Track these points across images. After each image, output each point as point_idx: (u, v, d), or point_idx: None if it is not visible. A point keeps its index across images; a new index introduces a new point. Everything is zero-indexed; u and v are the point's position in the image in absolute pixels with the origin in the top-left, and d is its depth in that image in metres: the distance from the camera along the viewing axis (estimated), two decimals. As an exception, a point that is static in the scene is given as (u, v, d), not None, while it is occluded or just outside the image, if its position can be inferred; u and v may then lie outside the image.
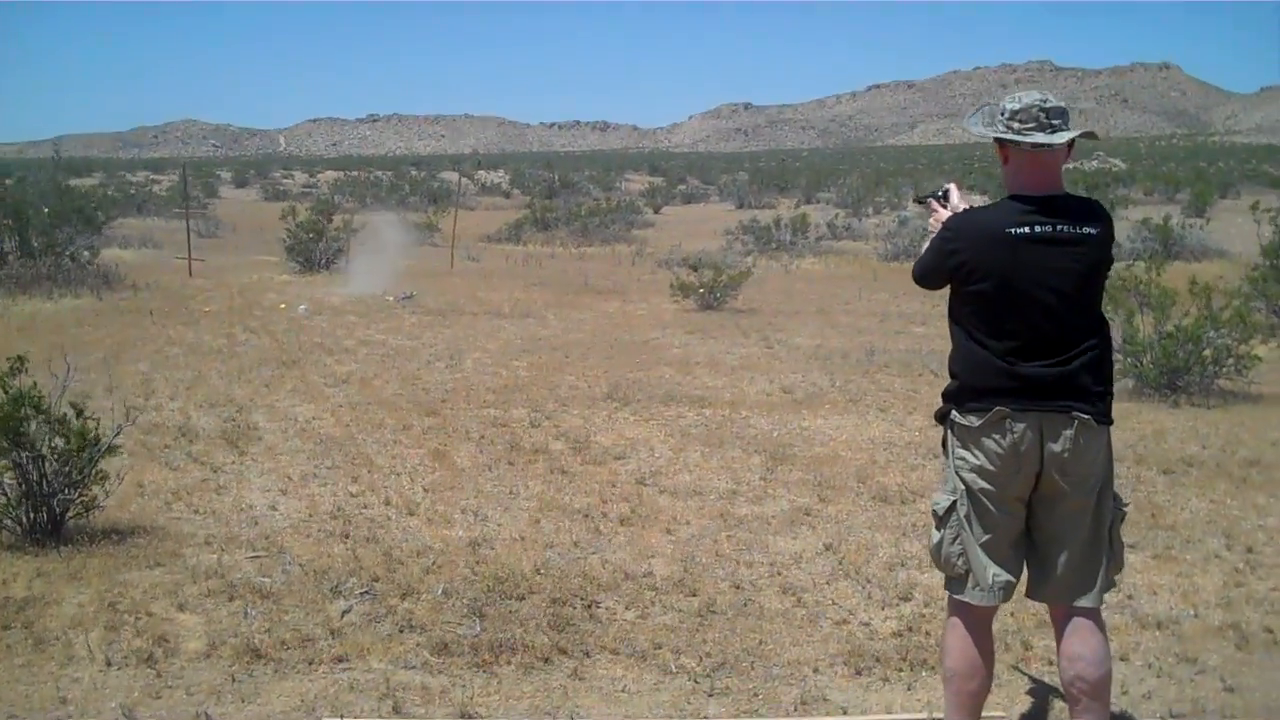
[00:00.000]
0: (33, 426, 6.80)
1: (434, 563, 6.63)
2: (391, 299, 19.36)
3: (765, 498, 8.13)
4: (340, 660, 5.32)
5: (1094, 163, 76.61)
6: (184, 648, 5.42)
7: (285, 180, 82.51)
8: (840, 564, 6.76)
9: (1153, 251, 25.03)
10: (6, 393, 6.78)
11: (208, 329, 15.84)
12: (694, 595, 6.23)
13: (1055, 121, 4.09)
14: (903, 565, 6.69)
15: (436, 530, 7.31)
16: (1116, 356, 11.20)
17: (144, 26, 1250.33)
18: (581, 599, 6.13)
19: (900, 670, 5.34)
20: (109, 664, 5.25)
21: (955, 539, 4.25)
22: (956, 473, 4.22)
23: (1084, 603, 4.18)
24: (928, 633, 5.71)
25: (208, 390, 11.61)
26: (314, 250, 23.90)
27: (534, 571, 6.51)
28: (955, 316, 4.27)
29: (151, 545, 6.84)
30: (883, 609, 6.10)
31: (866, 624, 5.91)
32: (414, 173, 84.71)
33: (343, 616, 5.80)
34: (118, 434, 7.23)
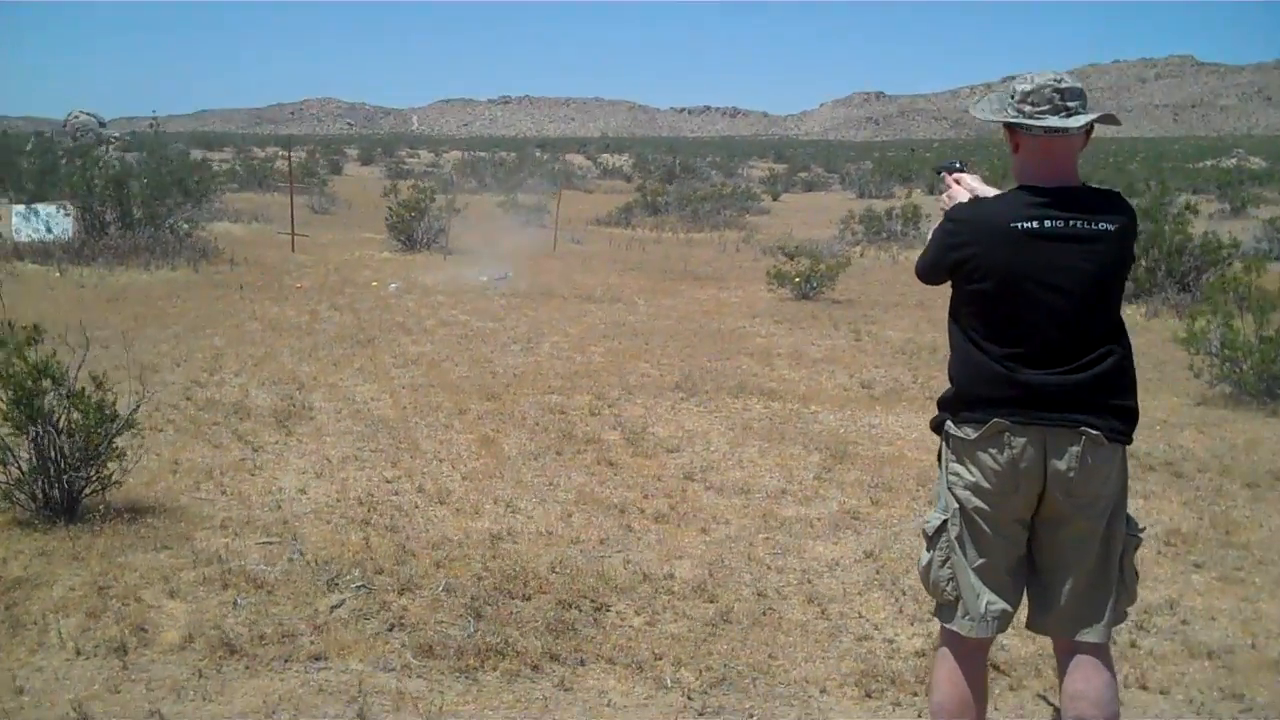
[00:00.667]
0: (49, 399, 6.62)
1: (447, 556, 6.36)
2: (485, 280, 19.17)
3: (815, 498, 7.73)
4: (317, 659, 5.06)
5: (1232, 160, 74.41)
6: (160, 638, 5.20)
7: (410, 159, 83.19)
8: (878, 573, 6.36)
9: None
10: (26, 363, 6.58)
11: (293, 305, 15.76)
12: (712, 602, 5.88)
13: (1071, 104, 3.69)
14: (944, 578, 6.26)
15: (462, 521, 7.03)
16: (1213, 360, 10.69)
17: (284, 3, 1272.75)
18: (591, 601, 5.81)
19: (915, 694, 4.94)
20: (78, 653, 5.05)
21: (945, 562, 3.86)
22: (950, 489, 3.83)
23: (1089, 637, 3.77)
24: (954, 654, 5.29)
25: (275, 367, 11.47)
26: (415, 229, 23.80)
27: (549, 569, 6.21)
28: (955, 315, 3.88)
29: (165, 527, 6.66)
30: (911, 624, 5.69)
31: (890, 640, 5.52)
32: (538, 154, 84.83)
33: (332, 611, 5.54)
34: (135, 410, 7.02)
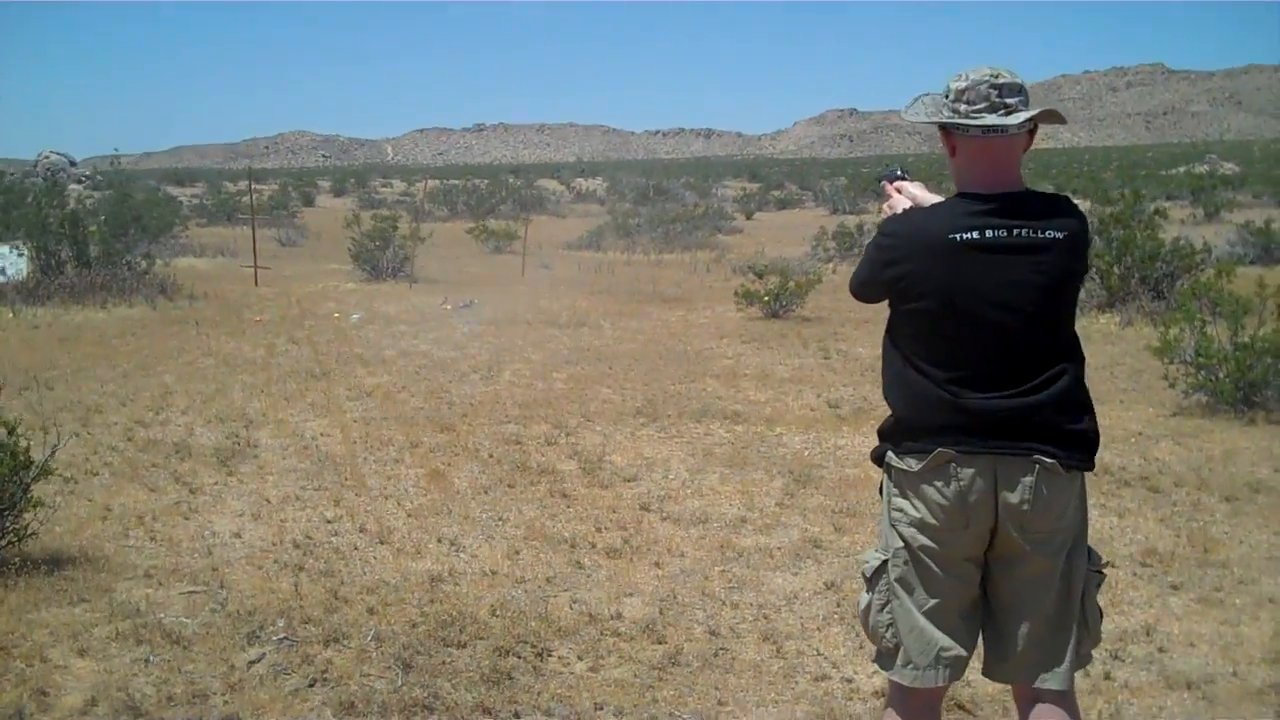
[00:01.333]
0: (-44, 448, 6.24)
1: (382, 601, 6.00)
2: (449, 308, 18.82)
3: (776, 526, 7.39)
4: (229, 720, 4.69)
5: (1204, 166, 74.39)
6: (60, 702, 4.84)
7: (383, 189, 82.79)
8: (838, 605, 6.02)
9: (1254, 257, 23.74)
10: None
11: (250, 339, 15.38)
12: (661, 643, 5.54)
13: (1010, 100, 3.35)
14: (908, 608, 5.91)
15: (402, 562, 6.67)
16: (1188, 369, 10.38)
17: (256, 39, 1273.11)
18: (532, 646, 5.46)
19: (873, 739, 4.59)
20: (-31, 722, 4.67)
21: (884, 606, 3.52)
22: (893, 526, 3.49)
23: (1050, 684, 3.43)
24: (917, 692, 4.94)
25: (224, 404, 11.10)
26: (380, 258, 23.45)
27: (490, 613, 5.86)
28: (892, 336, 3.54)
29: (85, 578, 6.29)
30: (872, 662, 5.33)
31: (849, 679, 5.18)
32: (511, 180, 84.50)
33: (250, 667, 5.17)
34: (51, 455, 6.63)
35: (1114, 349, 13.90)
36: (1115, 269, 16.96)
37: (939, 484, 3.36)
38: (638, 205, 51.32)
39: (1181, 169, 72.24)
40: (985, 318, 3.31)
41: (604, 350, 14.46)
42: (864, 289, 3.62)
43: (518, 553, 6.87)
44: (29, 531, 6.45)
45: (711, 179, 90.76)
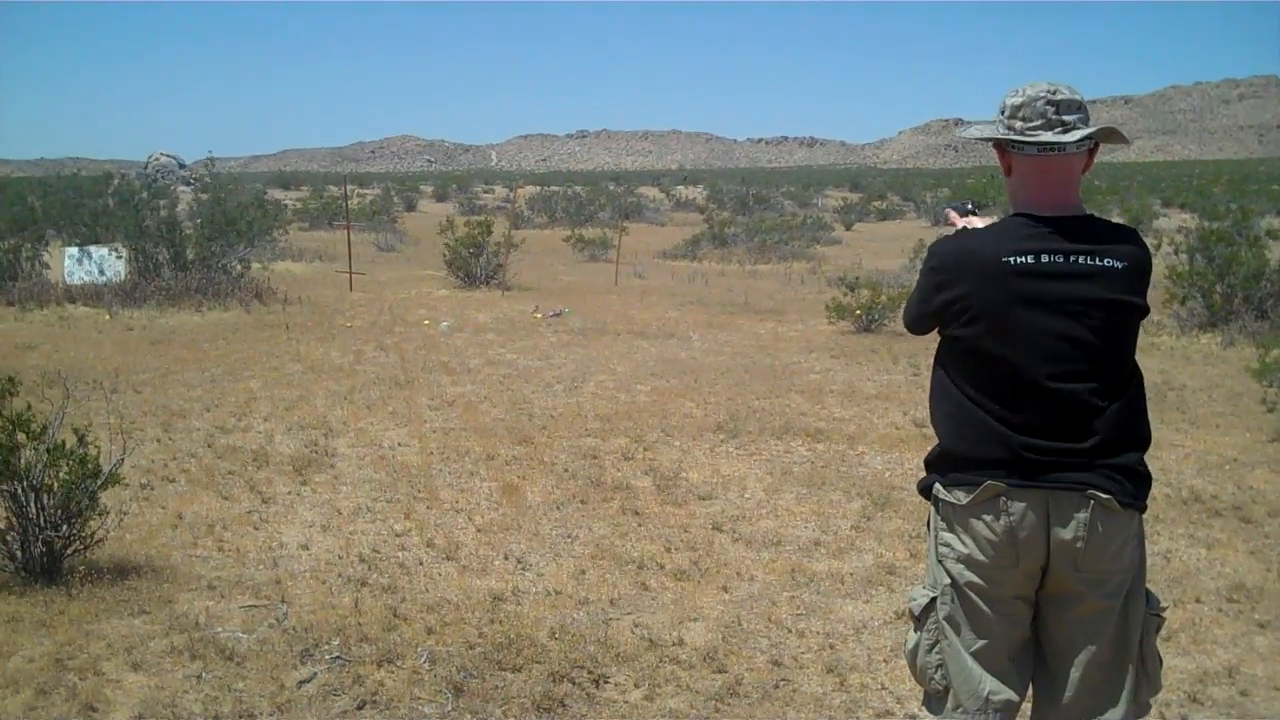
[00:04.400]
0: (26, 454, 6.25)
1: (441, 620, 5.92)
2: (540, 316, 18.80)
3: (850, 550, 7.21)
4: (274, 742, 4.62)
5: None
6: (106, 718, 4.78)
7: (485, 195, 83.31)
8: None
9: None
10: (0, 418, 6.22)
11: (339, 345, 15.44)
12: (721, 672, 5.39)
13: (1068, 118, 3.18)
14: (980, 642, 5.71)
15: (466, 579, 6.59)
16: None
17: (366, 44, 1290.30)
18: (589, 672, 5.34)
19: (933, 783, 4.40)
20: (16, 737, 4.64)
21: (934, 646, 3.37)
22: (940, 562, 3.35)
23: None
24: (982, 733, 4.76)
25: (306, 411, 11.12)
26: (474, 265, 23.52)
27: (549, 635, 5.75)
28: (942, 363, 3.38)
29: (148, 588, 6.28)
30: (921, 705, 5.15)
31: (914, 716, 4.99)
32: (612, 187, 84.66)
33: (300, 687, 5.10)
34: (119, 464, 6.62)
35: (1213, 370, 13.51)
36: (1218, 287, 16.51)
37: (988, 518, 3.21)
38: (736, 214, 51.17)
39: (1294, 185, 70.61)
40: (1039, 345, 3.16)
41: (690, 363, 14.33)
42: (917, 319, 3.47)
43: (584, 572, 6.76)
44: (95, 540, 6.46)
45: (812, 188, 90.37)
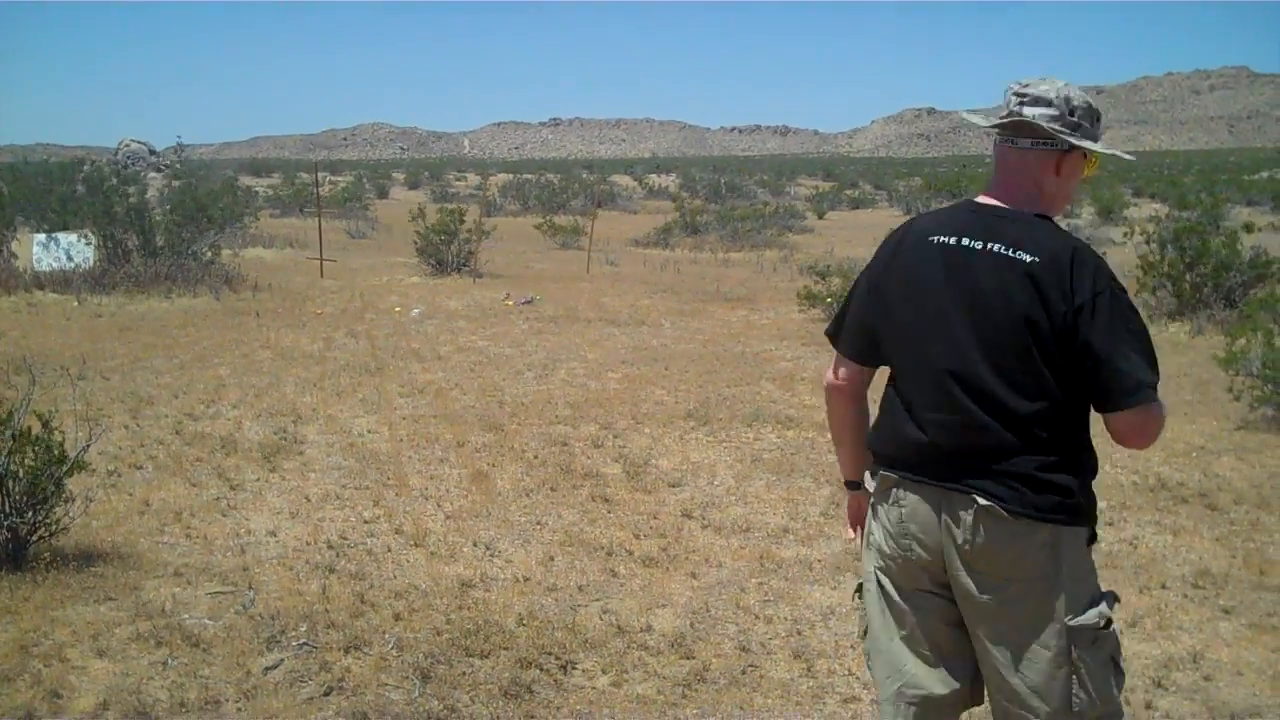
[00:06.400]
0: (-11, 441, 6.21)
1: (409, 606, 5.90)
2: (511, 303, 18.76)
3: (818, 537, 7.22)
4: (240, 729, 4.60)
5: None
6: (72, 705, 4.77)
7: (457, 182, 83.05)
8: (875, 623, 5.83)
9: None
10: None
11: (310, 333, 15.37)
12: (689, 658, 5.39)
13: (1028, 111, 3.12)
14: (947, 628, 5.73)
15: (435, 566, 6.58)
16: (1254, 381, 10.08)
17: (338, 32, 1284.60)
18: (556, 658, 5.33)
19: (899, 768, 4.41)
20: (-22, 724, 4.61)
21: (864, 633, 3.40)
22: (866, 549, 3.35)
23: None
24: (948, 718, 4.77)
25: (275, 398, 11.06)
26: (445, 253, 23.45)
27: (517, 622, 5.74)
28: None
29: (114, 575, 6.23)
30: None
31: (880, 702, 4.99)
32: (584, 175, 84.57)
33: (266, 673, 5.08)
34: (85, 450, 6.58)
35: (1181, 359, 13.57)
36: (1187, 277, 16.59)
37: (887, 507, 3.23)
38: (709, 202, 51.17)
39: (1264, 174, 71.09)
40: (944, 338, 3.10)
41: (661, 350, 14.33)
42: (839, 313, 3.49)
43: (552, 559, 6.75)
44: (61, 526, 6.41)
45: (785, 177, 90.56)
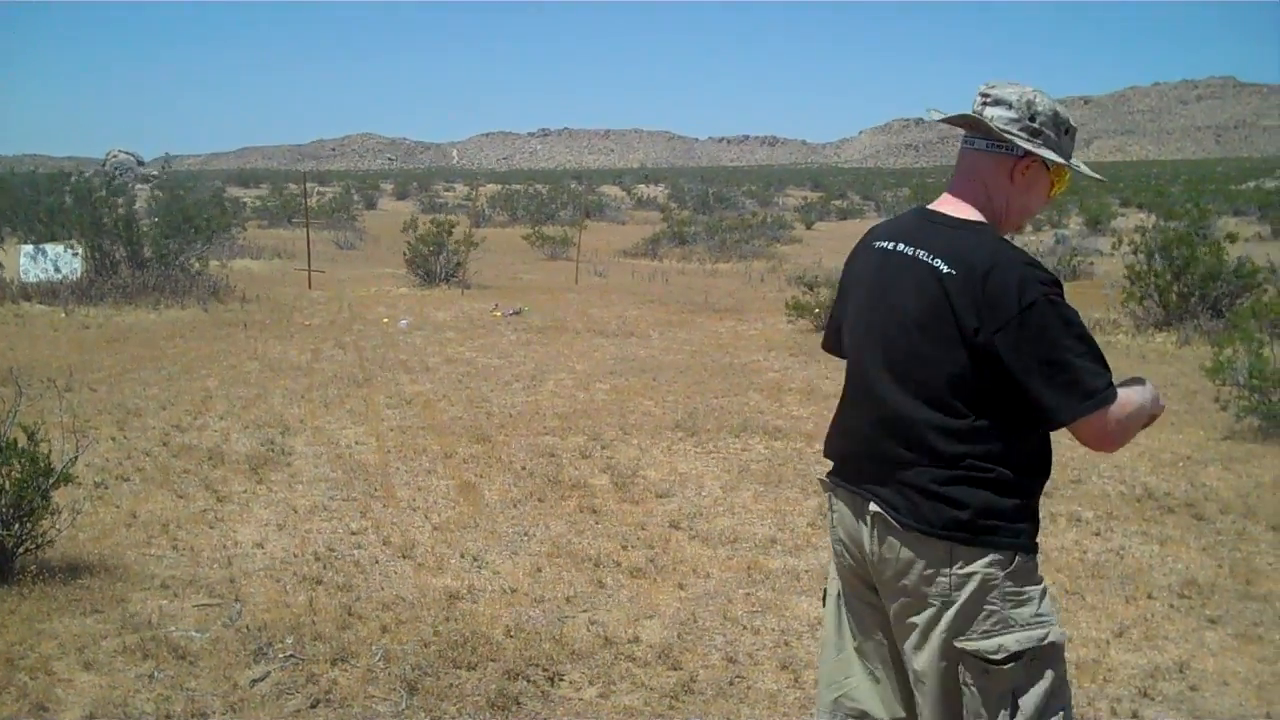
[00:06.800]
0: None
1: (396, 618, 5.89)
2: (499, 314, 18.77)
3: (806, 548, 7.23)
4: (226, 742, 4.59)
5: (1275, 181, 73.31)
6: (58, 718, 4.75)
7: (446, 193, 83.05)
8: (863, 634, 5.84)
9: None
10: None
11: (298, 344, 15.36)
12: (676, 669, 5.39)
13: (988, 111, 3.01)
14: (934, 638, 5.73)
15: (422, 578, 6.57)
16: (1241, 391, 10.11)
17: (327, 43, 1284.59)
18: (544, 670, 5.33)
19: (885, 779, 4.41)
20: (-35, 737, 4.59)
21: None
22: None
23: None
24: (935, 729, 4.78)
25: (263, 409, 11.05)
26: (433, 263, 23.46)
27: (504, 633, 5.73)
28: None
29: (101, 587, 6.22)
30: (892, 695, 5.17)
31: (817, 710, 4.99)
32: (573, 186, 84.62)
33: (253, 685, 5.07)
34: (72, 462, 6.56)
35: (1168, 369, 13.61)
36: (1174, 287, 16.64)
37: (829, 512, 3.25)
38: (697, 213, 51.23)
39: (1251, 184, 71.31)
40: (870, 339, 3.08)
41: (649, 361, 14.33)
42: (829, 322, 3.49)
43: (540, 570, 6.75)
44: (47, 539, 6.40)
45: (774, 187, 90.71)
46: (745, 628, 5.94)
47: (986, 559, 2.86)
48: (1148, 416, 2.95)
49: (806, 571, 6.78)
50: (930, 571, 2.90)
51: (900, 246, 3.03)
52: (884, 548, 2.97)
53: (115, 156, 77.63)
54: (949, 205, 3.06)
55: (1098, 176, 3.34)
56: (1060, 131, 3.02)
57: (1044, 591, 2.94)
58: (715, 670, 5.41)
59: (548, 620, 5.95)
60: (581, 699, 5.08)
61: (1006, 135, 2.97)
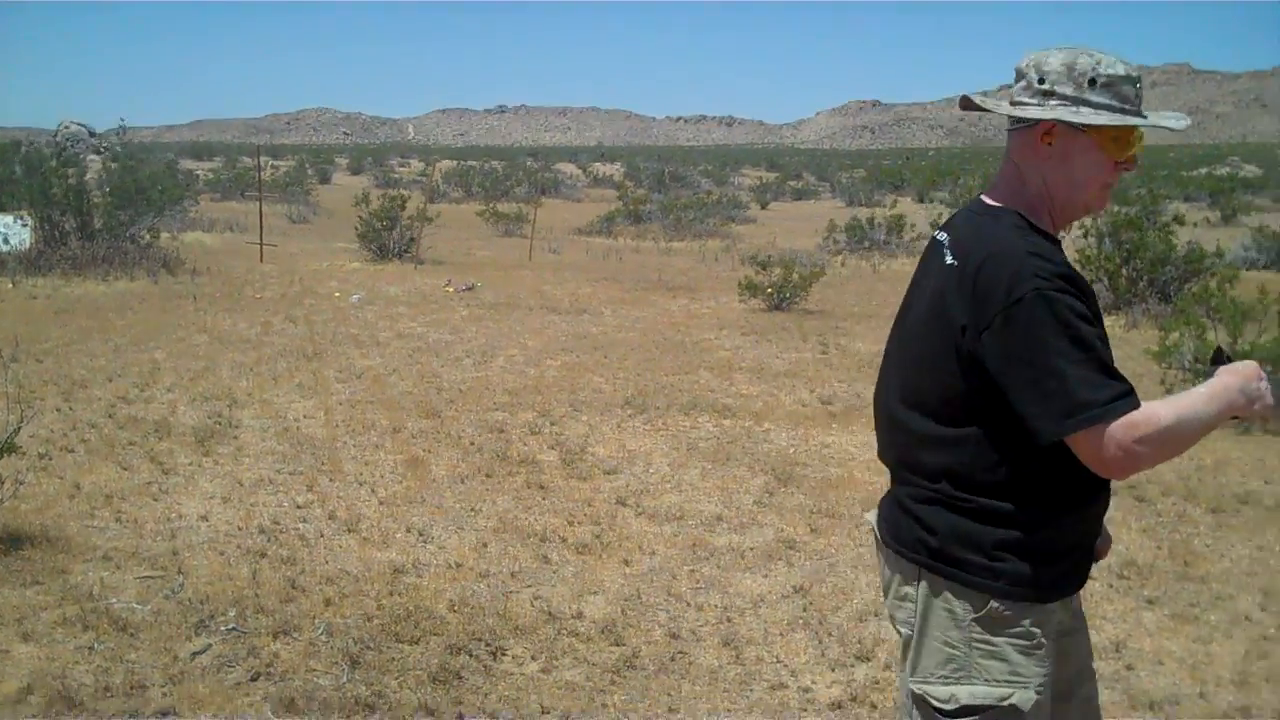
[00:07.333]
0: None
1: (340, 592, 5.89)
2: (451, 290, 18.71)
3: (751, 525, 7.26)
4: (165, 714, 4.59)
5: (1226, 168, 73.94)
6: (-6, 690, 4.72)
7: (401, 168, 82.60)
8: (804, 610, 5.89)
9: (1267, 261, 23.50)
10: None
11: (248, 317, 15.26)
12: (619, 645, 5.41)
13: (1014, 84, 2.70)
14: (876, 615, 5.79)
15: (367, 552, 6.56)
16: (1185, 375, 10.21)
17: (283, 16, 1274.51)
18: (486, 644, 5.34)
19: (823, 754, 4.47)
20: (-101, 708, 4.56)
21: None
22: None
23: None
24: (874, 704, 4.84)
25: (210, 382, 10.98)
26: (387, 239, 23.34)
27: (448, 608, 5.74)
28: None
29: (41, 559, 6.18)
30: (832, 670, 5.22)
31: (807, 689, 5.05)
32: (529, 163, 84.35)
33: (194, 658, 5.06)
34: (15, 433, 6.51)
35: (1116, 352, 13.44)
36: (1123, 271, 16.78)
37: None
38: (653, 191, 51.18)
39: (1203, 171, 71.86)
40: (894, 338, 2.90)
41: (601, 338, 14.33)
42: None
43: (486, 545, 6.75)
44: (-13, 509, 6.36)
45: (730, 167, 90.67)
46: (689, 604, 5.96)
47: (954, 595, 2.61)
48: (1207, 427, 2.50)
49: (751, 549, 6.81)
50: (903, 592, 2.73)
51: (940, 235, 2.75)
52: (894, 584, 2.79)
53: (67, 128, 76.77)
54: (990, 192, 2.75)
55: (1175, 124, 2.79)
56: (1082, 85, 2.60)
57: (1036, 647, 2.59)
58: (658, 646, 5.43)
59: (492, 595, 5.96)
60: (523, 673, 5.10)
61: (1018, 105, 2.66)
